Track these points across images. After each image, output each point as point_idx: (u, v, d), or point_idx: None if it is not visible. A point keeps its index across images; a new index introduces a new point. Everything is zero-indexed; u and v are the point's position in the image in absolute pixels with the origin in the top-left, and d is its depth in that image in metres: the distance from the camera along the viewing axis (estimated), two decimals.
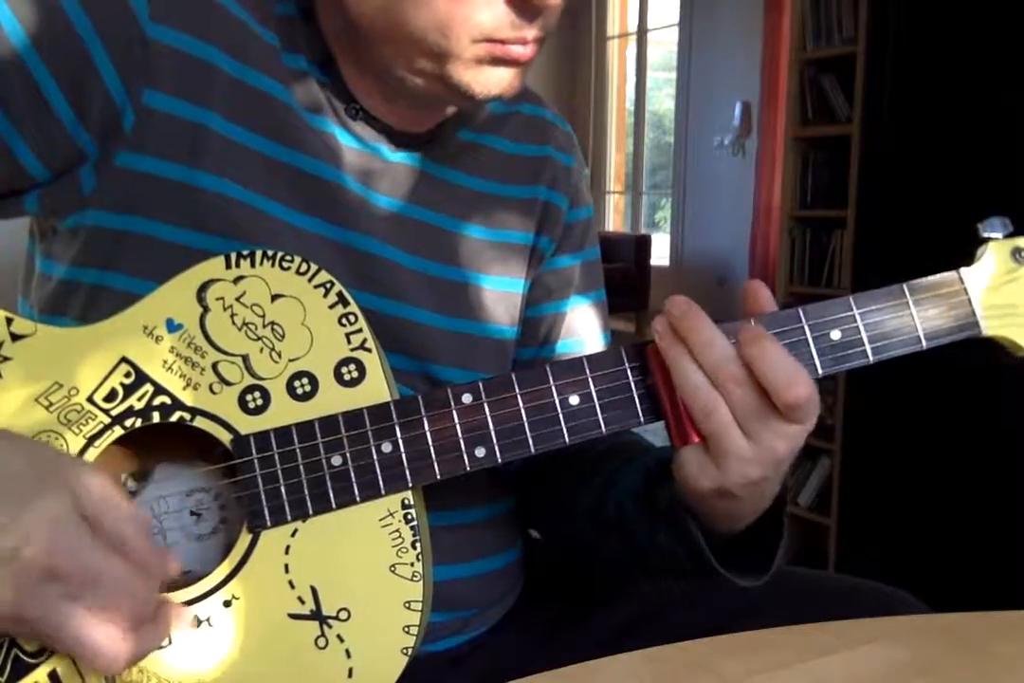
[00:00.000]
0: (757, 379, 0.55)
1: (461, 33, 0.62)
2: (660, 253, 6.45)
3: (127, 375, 0.59)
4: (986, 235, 0.61)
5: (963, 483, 2.11)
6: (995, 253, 0.60)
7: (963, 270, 0.60)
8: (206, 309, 0.59)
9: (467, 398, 0.59)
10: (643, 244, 6.07)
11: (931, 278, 0.60)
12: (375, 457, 0.58)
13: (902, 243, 2.17)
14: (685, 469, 0.58)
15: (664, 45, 7.00)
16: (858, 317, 0.59)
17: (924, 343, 0.60)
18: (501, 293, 0.77)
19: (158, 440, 0.61)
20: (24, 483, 0.51)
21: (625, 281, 5.74)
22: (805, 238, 2.69)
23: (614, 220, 7.46)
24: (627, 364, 0.59)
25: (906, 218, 2.20)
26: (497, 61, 0.63)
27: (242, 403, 0.59)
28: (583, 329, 0.83)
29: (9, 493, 0.50)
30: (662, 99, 7.62)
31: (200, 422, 0.59)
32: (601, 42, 7.27)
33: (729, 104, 5.84)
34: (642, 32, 7.02)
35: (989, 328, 0.60)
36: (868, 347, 0.59)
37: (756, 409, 0.55)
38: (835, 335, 0.59)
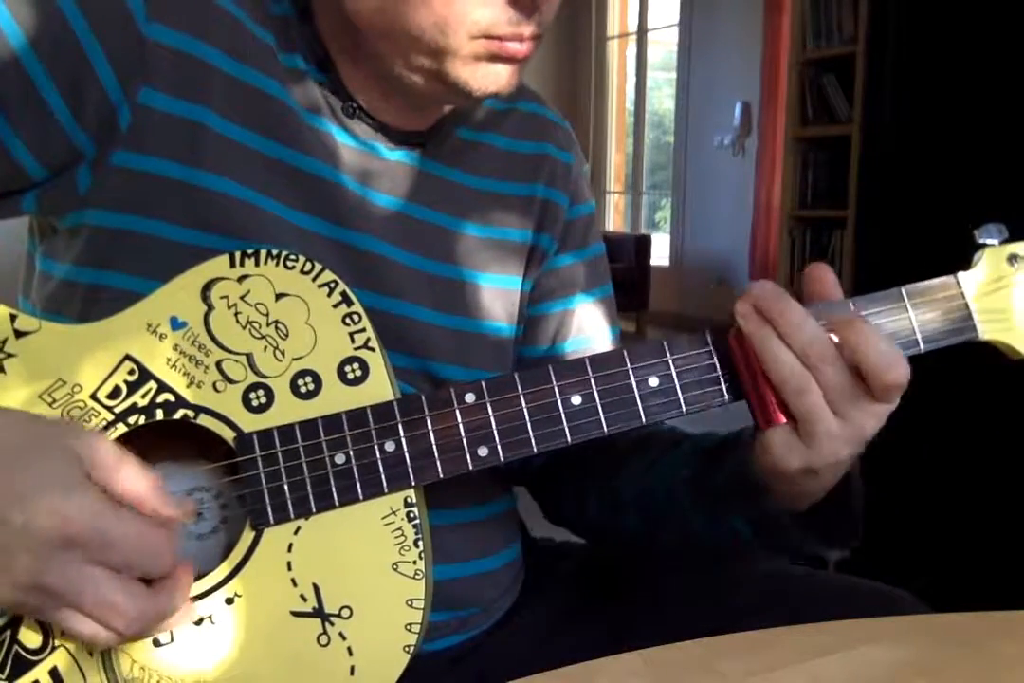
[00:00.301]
0: (854, 360, 0.57)
1: (459, 30, 0.62)
2: (660, 253, 6.45)
3: (131, 372, 0.59)
4: (982, 241, 0.62)
5: (963, 483, 2.11)
6: (991, 259, 0.62)
7: (960, 274, 0.62)
8: (210, 307, 0.59)
9: (470, 397, 0.59)
10: (643, 244, 6.07)
11: (929, 282, 0.61)
12: (378, 455, 0.58)
13: (902, 243, 2.17)
14: (773, 450, 0.59)
15: (664, 45, 7.00)
16: None
17: (922, 346, 0.61)
18: (498, 291, 0.77)
19: (161, 438, 0.61)
20: (26, 453, 0.51)
21: (625, 281, 5.73)
22: (805, 238, 2.70)
23: (614, 220, 7.46)
24: (629, 365, 0.59)
25: (906, 218, 2.20)
26: (495, 58, 0.64)
27: (246, 401, 0.59)
28: (590, 326, 0.82)
29: (12, 465, 0.50)
30: (662, 99, 7.63)
31: (204, 420, 0.59)
32: (601, 42, 7.27)
33: (729, 104, 5.84)
34: (642, 32, 7.02)
35: (986, 332, 0.61)
36: None
37: (848, 389, 0.57)
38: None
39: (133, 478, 0.52)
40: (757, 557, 0.71)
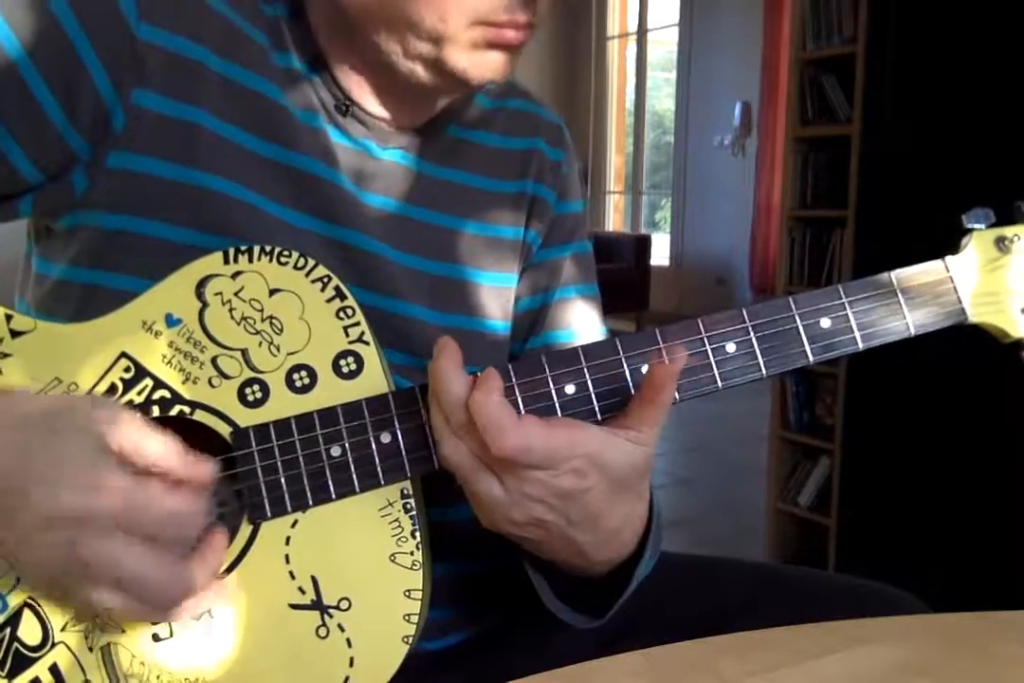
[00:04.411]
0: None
1: (458, 16, 0.63)
2: (660, 253, 6.45)
3: (127, 370, 0.59)
4: (970, 225, 0.62)
5: (963, 483, 2.11)
6: (979, 242, 0.62)
7: (948, 259, 0.62)
8: (205, 304, 0.60)
9: None
10: (643, 244, 6.07)
11: (918, 267, 0.61)
12: (374, 448, 0.59)
13: (902, 243, 2.17)
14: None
15: (664, 45, 7.01)
16: (847, 305, 0.61)
17: (912, 330, 0.61)
18: (494, 288, 0.77)
19: None
20: (45, 431, 0.52)
21: (625, 281, 5.74)
22: (805, 238, 2.69)
23: (614, 220, 7.46)
24: (622, 354, 0.59)
25: (906, 218, 2.19)
26: (492, 45, 0.65)
27: (241, 396, 0.59)
28: (577, 320, 0.82)
29: (32, 444, 0.51)
30: (662, 99, 7.62)
31: (200, 415, 0.59)
32: (601, 42, 7.28)
33: (729, 104, 5.84)
34: (642, 32, 7.02)
35: (975, 315, 0.62)
36: (857, 334, 0.60)
37: (487, 454, 0.55)
38: (825, 323, 0.60)
39: (157, 445, 0.53)
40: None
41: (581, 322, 0.82)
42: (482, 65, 0.66)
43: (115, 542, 0.51)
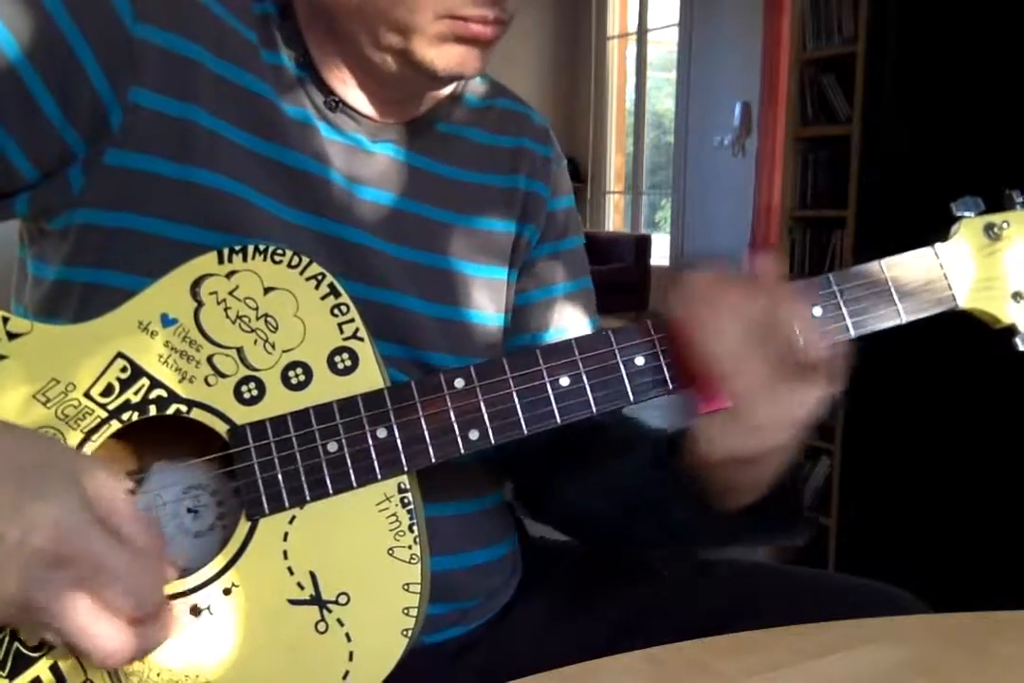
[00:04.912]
0: (782, 339, 0.57)
1: (426, 9, 0.64)
2: (660, 253, 6.45)
3: (123, 370, 0.59)
4: (959, 213, 0.63)
5: (963, 483, 2.11)
6: (968, 229, 0.63)
7: (938, 246, 0.63)
8: (200, 303, 0.60)
9: (459, 383, 0.59)
10: (643, 244, 6.08)
11: (907, 254, 0.62)
12: (370, 443, 0.59)
13: (902, 243, 2.16)
14: (711, 437, 0.60)
15: (664, 45, 7.01)
16: (838, 294, 0.61)
17: (903, 317, 0.61)
18: (484, 280, 0.78)
19: (156, 436, 0.61)
20: (31, 475, 0.51)
21: (625, 281, 5.75)
22: (805, 238, 2.69)
23: (614, 220, 7.46)
24: (615, 345, 0.60)
25: (906, 218, 2.19)
26: (459, 39, 0.66)
27: (237, 394, 0.59)
28: (570, 317, 0.83)
29: (16, 482, 0.50)
30: (662, 99, 7.62)
31: (196, 414, 0.59)
32: (601, 42, 7.28)
33: (729, 104, 5.84)
34: (642, 32, 7.03)
35: (966, 301, 0.62)
36: (849, 322, 0.61)
37: (779, 370, 0.57)
38: (817, 312, 0.60)
39: (132, 518, 0.52)
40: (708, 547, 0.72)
41: (572, 320, 0.83)
42: (448, 58, 0.67)
43: (69, 593, 0.49)
